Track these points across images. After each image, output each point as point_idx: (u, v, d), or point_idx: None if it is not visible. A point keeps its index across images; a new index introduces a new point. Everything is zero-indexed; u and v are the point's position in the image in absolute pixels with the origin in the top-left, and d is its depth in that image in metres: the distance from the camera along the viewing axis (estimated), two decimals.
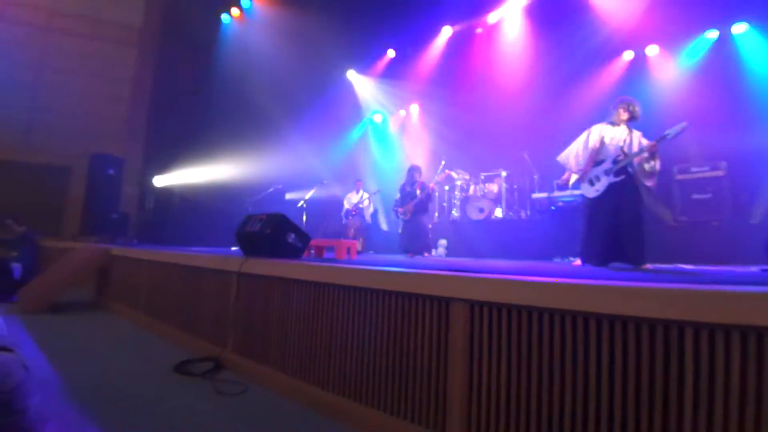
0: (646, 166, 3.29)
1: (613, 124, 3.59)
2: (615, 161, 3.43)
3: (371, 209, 7.51)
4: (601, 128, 3.63)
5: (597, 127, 3.65)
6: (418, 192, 5.71)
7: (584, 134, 3.66)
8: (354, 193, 7.55)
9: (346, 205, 7.49)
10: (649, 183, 3.32)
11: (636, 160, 3.32)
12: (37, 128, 7.94)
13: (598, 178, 3.50)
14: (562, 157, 3.77)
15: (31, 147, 7.86)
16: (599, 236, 3.40)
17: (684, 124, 3.10)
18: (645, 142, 3.40)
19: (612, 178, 3.40)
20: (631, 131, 3.50)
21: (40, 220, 7.25)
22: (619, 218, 3.30)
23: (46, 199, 7.83)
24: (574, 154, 3.67)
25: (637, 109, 3.52)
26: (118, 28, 8.67)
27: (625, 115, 3.53)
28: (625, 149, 3.41)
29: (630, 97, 3.60)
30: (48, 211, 7.76)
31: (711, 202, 5.20)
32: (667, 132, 3.13)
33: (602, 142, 3.56)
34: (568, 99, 7.06)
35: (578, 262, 3.69)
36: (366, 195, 7.37)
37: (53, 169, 7.98)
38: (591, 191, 3.53)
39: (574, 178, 3.71)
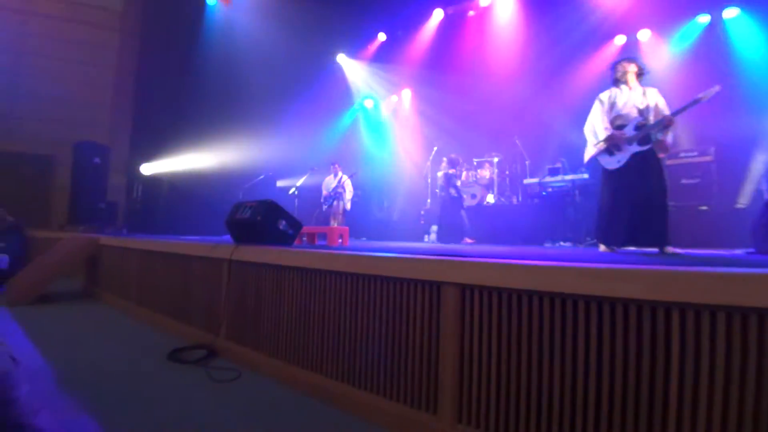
0: (669, 136, 2.90)
1: (620, 84, 3.13)
2: (637, 127, 2.96)
3: (350, 194, 6.94)
4: (610, 92, 3.16)
5: (605, 93, 3.20)
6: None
7: (595, 104, 3.20)
8: (331, 177, 7.00)
9: (324, 192, 6.93)
10: (662, 155, 3.00)
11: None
12: (18, 116, 7.71)
13: (618, 148, 3.02)
14: (585, 131, 3.30)
15: (12, 135, 7.65)
16: (623, 214, 2.95)
17: (717, 87, 2.72)
18: (662, 101, 2.99)
19: (636, 147, 2.94)
20: (645, 90, 3.05)
21: (25, 210, 7.10)
22: (645, 193, 2.88)
23: (30, 188, 7.66)
24: (591, 129, 3.20)
25: (641, 64, 3.13)
26: (99, 11, 8.39)
27: (633, 68, 3.05)
28: (645, 112, 2.97)
29: (630, 56, 3.20)
30: (33, 201, 7.59)
31: (699, 186, 5.27)
32: (700, 95, 2.73)
33: (614, 108, 3.10)
34: (559, 84, 7.05)
35: (603, 248, 3.13)
36: (345, 177, 6.81)
37: (36, 157, 7.79)
38: (612, 162, 3.04)
39: (591, 151, 3.20)
